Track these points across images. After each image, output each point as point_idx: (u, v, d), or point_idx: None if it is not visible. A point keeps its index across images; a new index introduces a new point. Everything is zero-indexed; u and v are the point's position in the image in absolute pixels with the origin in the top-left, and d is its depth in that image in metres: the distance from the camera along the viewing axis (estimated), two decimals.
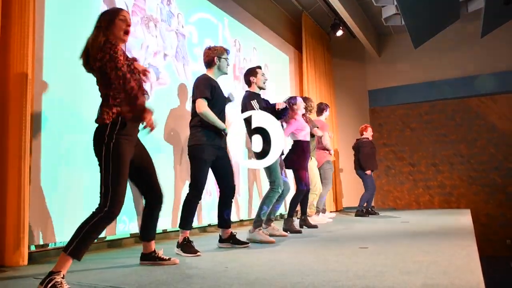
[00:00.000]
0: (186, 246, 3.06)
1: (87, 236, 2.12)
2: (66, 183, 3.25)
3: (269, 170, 3.81)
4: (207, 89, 3.26)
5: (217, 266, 2.56)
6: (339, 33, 8.46)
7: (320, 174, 5.67)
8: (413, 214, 6.79)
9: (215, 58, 3.39)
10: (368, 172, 6.54)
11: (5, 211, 2.68)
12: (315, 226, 4.88)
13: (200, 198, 3.28)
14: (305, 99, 5.28)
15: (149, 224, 2.65)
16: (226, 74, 3.57)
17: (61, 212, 3.19)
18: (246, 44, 6.19)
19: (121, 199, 2.22)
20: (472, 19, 7.99)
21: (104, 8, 3.73)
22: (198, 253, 3.00)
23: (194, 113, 3.32)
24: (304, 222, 4.91)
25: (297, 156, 4.58)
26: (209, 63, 3.43)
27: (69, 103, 3.35)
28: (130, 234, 3.95)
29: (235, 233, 3.45)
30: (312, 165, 5.29)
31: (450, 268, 2.16)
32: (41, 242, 3.09)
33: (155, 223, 2.67)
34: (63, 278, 2.01)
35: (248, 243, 3.44)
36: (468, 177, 8.51)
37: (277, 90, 6.89)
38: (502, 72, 8.21)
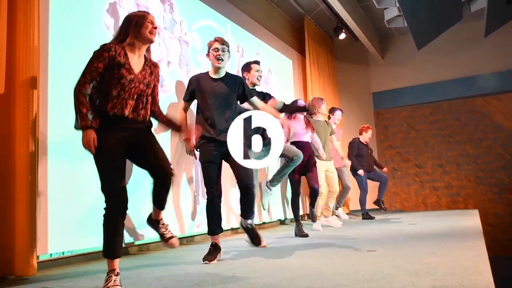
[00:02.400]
0: (208, 252, 3.02)
1: (108, 236, 2.25)
2: (74, 190, 3.27)
3: None
4: (187, 91, 3.34)
5: (225, 272, 2.56)
6: (342, 36, 8.48)
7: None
8: (420, 215, 6.75)
9: (206, 56, 3.34)
10: (360, 172, 6.52)
11: (14, 220, 2.70)
12: (305, 235, 4.80)
13: (213, 200, 3.11)
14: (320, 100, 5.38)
15: (157, 193, 2.54)
16: (218, 65, 3.27)
17: (70, 220, 3.20)
18: (249, 49, 6.21)
19: (118, 192, 2.25)
20: (475, 18, 7.97)
21: (106, 10, 3.77)
22: (205, 262, 2.94)
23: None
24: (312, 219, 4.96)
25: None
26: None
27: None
28: (135, 242, 3.95)
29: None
30: (326, 166, 5.28)
31: (459, 269, 2.15)
32: (50, 251, 3.11)
33: (164, 194, 2.54)
34: (117, 275, 2.20)
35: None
36: (475, 177, 8.46)
37: (281, 94, 6.90)
38: (507, 71, 8.18)
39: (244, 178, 3.15)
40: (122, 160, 2.34)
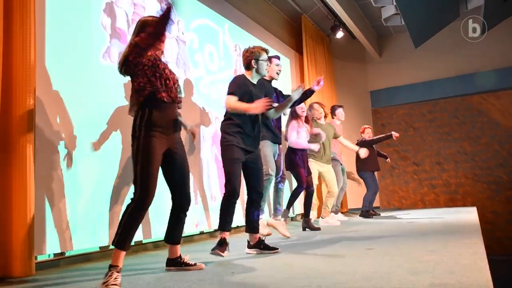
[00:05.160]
0: (218, 245, 3.01)
1: (126, 227, 2.29)
2: (72, 191, 3.26)
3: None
4: (236, 87, 3.17)
5: (224, 271, 2.56)
6: (339, 34, 8.47)
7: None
8: (418, 213, 6.77)
9: (253, 61, 3.32)
10: (368, 173, 6.54)
11: (12, 221, 2.69)
12: (318, 229, 4.88)
13: (235, 198, 3.11)
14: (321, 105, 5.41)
15: (174, 227, 2.68)
16: (265, 76, 3.56)
17: (68, 221, 3.19)
18: None
19: (151, 189, 2.34)
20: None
21: (103, 9, 3.77)
22: (222, 254, 2.97)
23: (225, 114, 3.25)
24: (307, 224, 4.91)
25: (292, 157, 4.65)
26: (247, 66, 3.36)
27: (74, 106, 3.36)
28: (134, 242, 3.95)
29: (263, 239, 3.33)
30: (313, 164, 5.27)
31: (457, 267, 2.15)
32: (48, 252, 3.10)
33: (181, 227, 2.70)
34: (119, 272, 2.22)
35: (278, 248, 3.29)
36: (473, 175, 8.47)
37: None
38: (504, 68, 8.19)
39: (260, 188, 3.27)
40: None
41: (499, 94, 8.40)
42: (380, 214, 6.68)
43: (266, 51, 3.39)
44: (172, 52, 4.58)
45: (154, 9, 4.39)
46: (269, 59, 3.94)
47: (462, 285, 1.78)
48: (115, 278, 2.17)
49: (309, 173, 4.82)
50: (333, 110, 6.40)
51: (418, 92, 8.91)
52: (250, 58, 3.32)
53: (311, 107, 5.45)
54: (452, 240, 3.30)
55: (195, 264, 2.69)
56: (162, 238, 4.14)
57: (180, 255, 2.71)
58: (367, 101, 9.37)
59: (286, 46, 7.81)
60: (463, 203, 8.43)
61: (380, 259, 2.59)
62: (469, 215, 5.65)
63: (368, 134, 6.82)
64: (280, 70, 4.12)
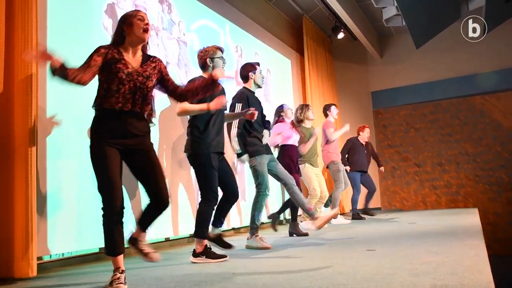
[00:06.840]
0: (210, 253, 3.07)
1: (107, 236, 2.27)
2: (73, 191, 3.26)
3: (256, 172, 3.71)
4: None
5: (224, 272, 2.56)
6: (340, 35, 8.48)
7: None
8: (420, 214, 6.76)
9: (207, 59, 3.23)
10: (347, 168, 6.46)
11: (14, 222, 2.69)
12: (305, 234, 4.55)
13: (214, 206, 3.15)
14: (304, 107, 5.33)
15: (147, 219, 2.52)
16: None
17: (69, 222, 3.20)
18: (248, 50, 6.21)
19: (113, 194, 2.26)
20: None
21: (104, 10, 3.77)
22: (226, 258, 3.07)
23: (191, 119, 3.18)
24: (295, 230, 4.61)
25: (288, 161, 4.55)
26: (202, 67, 3.27)
27: (75, 107, 3.36)
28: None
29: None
30: (310, 170, 5.22)
31: (458, 269, 2.15)
32: (50, 253, 3.11)
33: (153, 220, 2.53)
34: (121, 273, 2.23)
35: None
36: (474, 176, 8.46)
37: (280, 94, 6.90)
38: (505, 69, 8.18)
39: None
40: (120, 162, 2.37)
41: (500, 95, 8.39)
42: (365, 219, 6.41)
43: (221, 49, 3.31)
44: (174, 53, 4.59)
45: (155, 10, 4.40)
46: (253, 66, 3.84)
47: (463, 286, 1.78)
48: (118, 278, 2.20)
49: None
50: (326, 108, 6.22)
51: (420, 93, 8.90)
52: (204, 57, 3.26)
53: (304, 107, 5.35)
54: (454, 241, 3.29)
55: (147, 253, 2.49)
56: (164, 239, 4.18)
57: (141, 239, 2.54)
58: (368, 102, 9.37)
59: (287, 47, 7.82)
60: (465, 204, 8.42)
61: (381, 260, 2.59)
62: (471, 216, 5.64)
63: (368, 134, 6.82)
64: (263, 77, 3.92)
